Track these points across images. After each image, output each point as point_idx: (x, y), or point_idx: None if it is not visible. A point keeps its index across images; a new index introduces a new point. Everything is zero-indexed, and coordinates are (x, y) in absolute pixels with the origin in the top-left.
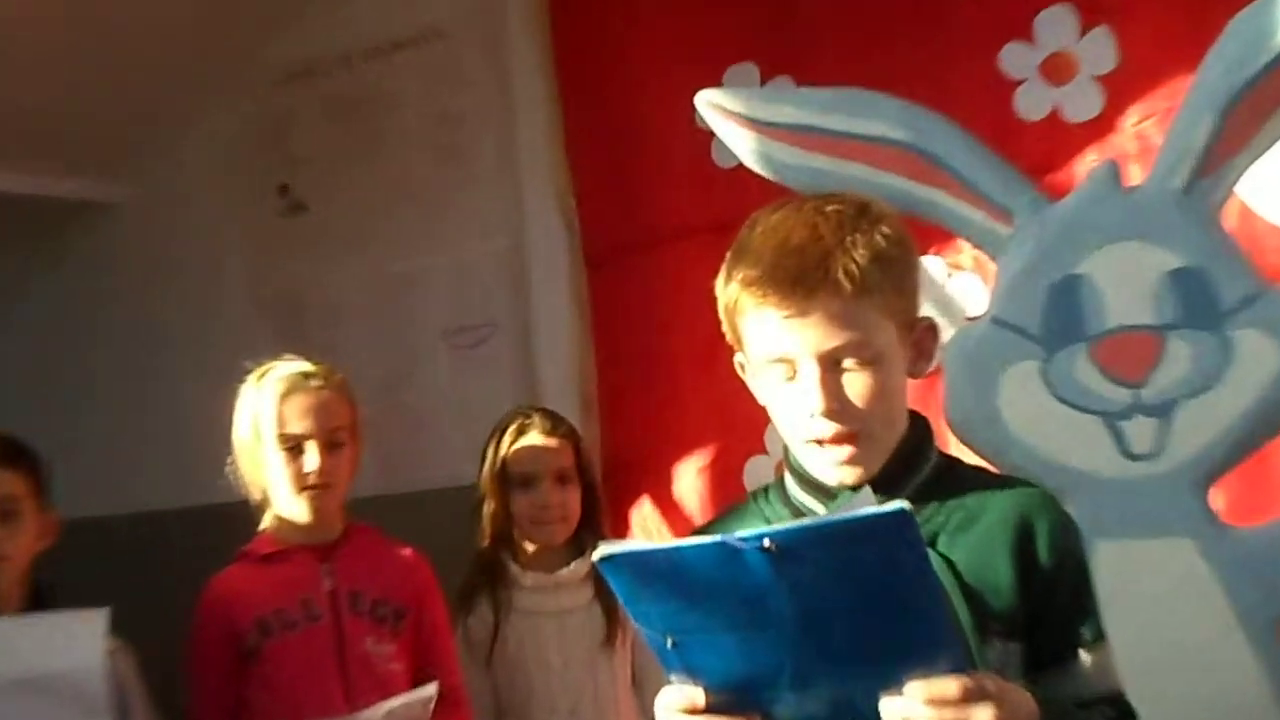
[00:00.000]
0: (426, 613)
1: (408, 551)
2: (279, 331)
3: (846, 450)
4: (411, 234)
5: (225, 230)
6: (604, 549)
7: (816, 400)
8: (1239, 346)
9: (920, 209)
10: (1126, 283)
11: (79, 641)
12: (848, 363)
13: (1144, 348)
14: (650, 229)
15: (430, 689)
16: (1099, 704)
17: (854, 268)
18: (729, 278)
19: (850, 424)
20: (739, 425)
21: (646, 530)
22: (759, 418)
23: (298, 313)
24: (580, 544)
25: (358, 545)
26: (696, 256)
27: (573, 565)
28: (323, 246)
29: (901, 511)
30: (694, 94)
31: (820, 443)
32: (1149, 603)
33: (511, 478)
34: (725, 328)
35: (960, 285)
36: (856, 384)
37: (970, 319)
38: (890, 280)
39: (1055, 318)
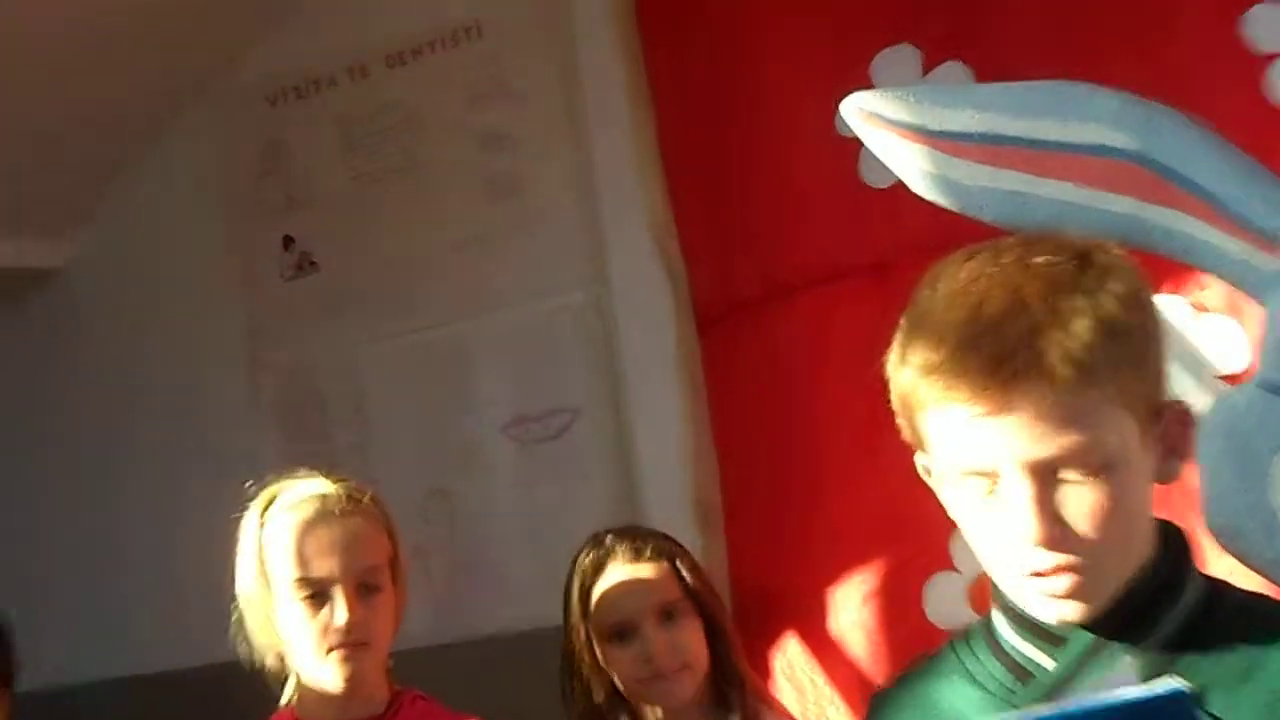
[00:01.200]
0: None
1: None
2: (288, 431)
3: (1067, 580)
4: (457, 293)
5: (211, 299)
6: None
7: (1028, 526)
8: None
9: (1153, 239)
10: None
11: None
12: (1069, 474)
13: None
14: (780, 274)
15: None
16: None
17: (1074, 347)
18: (903, 359)
19: (1075, 553)
20: (915, 531)
21: (794, 682)
22: (942, 520)
23: (312, 405)
24: (723, 697)
25: (408, 718)
26: (845, 308)
27: None
28: (341, 314)
29: (1179, 694)
30: (835, 94)
31: (1037, 576)
32: None
33: (602, 632)
34: (900, 421)
35: (1208, 331)
36: (1082, 501)
37: (1224, 378)
38: (1126, 358)
39: None
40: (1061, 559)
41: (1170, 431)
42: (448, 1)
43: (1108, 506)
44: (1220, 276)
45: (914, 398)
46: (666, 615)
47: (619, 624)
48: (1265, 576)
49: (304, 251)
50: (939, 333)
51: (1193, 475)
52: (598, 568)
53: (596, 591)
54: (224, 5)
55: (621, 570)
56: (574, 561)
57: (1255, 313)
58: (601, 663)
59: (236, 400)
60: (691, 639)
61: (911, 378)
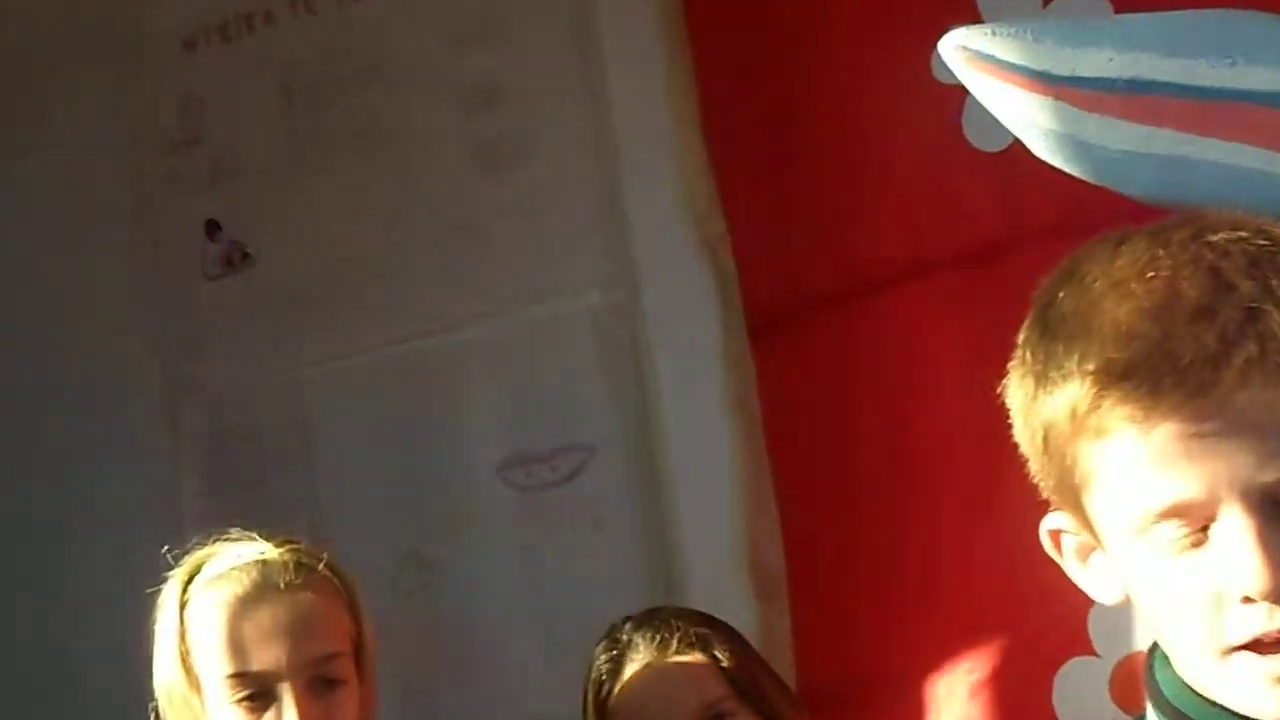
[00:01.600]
0: None
1: None
2: (215, 477)
3: None
4: (435, 295)
5: (112, 302)
6: None
7: (1253, 574)
8: None
9: None
10: None
11: None
12: None
13: None
14: (858, 266)
15: None
16: None
17: None
18: (1051, 371)
19: None
20: (1043, 603)
21: None
22: (1076, 592)
23: (246, 443)
24: None
25: None
26: (944, 308)
27: None
28: (283, 323)
29: None
30: (931, 30)
31: (1256, 647)
32: None
33: None
34: (1038, 461)
35: None
36: None
37: None
38: None
39: None
40: None
41: None
42: None
43: None
44: None
45: (1080, 421)
46: (713, 716)
47: None
48: None
49: (234, 241)
50: (1118, 328)
51: None
52: (615, 669)
53: (617, 694)
54: None
55: (645, 670)
56: (589, 665)
57: None
58: None
59: (147, 436)
60: None
61: (1077, 392)
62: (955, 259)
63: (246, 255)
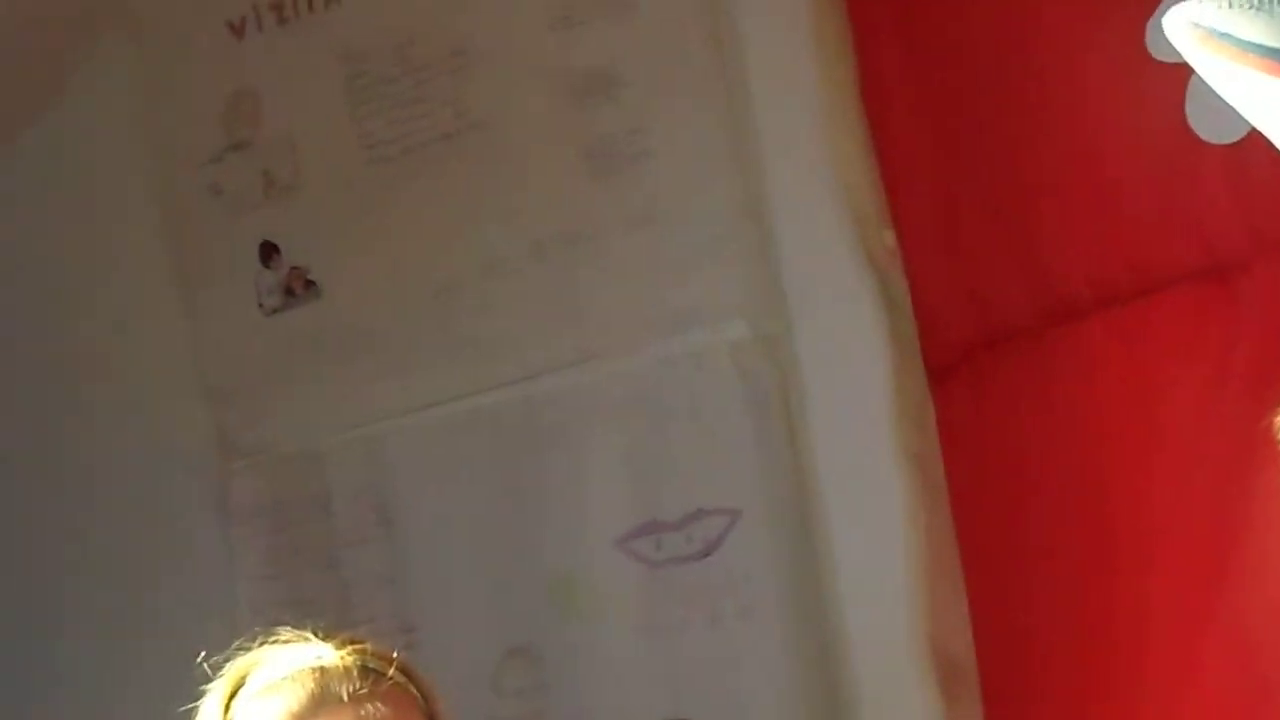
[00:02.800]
0: None
1: None
2: (273, 556)
3: None
4: (539, 328)
5: (149, 341)
6: None
7: None
8: None
9: None
10: None
11: None
12: None
13: None
14: (1063, 287)
15: None
16: None
17: None
18: None
19: None
20: None
21: None
22: None
23: (312, 513)
24: None
25: None
26: (1165, 340)
27: None
28: (356, 366)
29: None
30: (1141, 8)
31: None
32: None
33: None
34: None
35: None
36: None
37: None
38: None
39: None
40: None
41: None
42: None
43: None
44: None
45: None
46: None
47: None
48: None
49: (296, 267)
50: None
51: None
52: None
53: None
54: None
55: None
56: None
57: None
58: None
59: (193, 506)
60: None
61: None
62: (1181, 277)
63: (311, 284)
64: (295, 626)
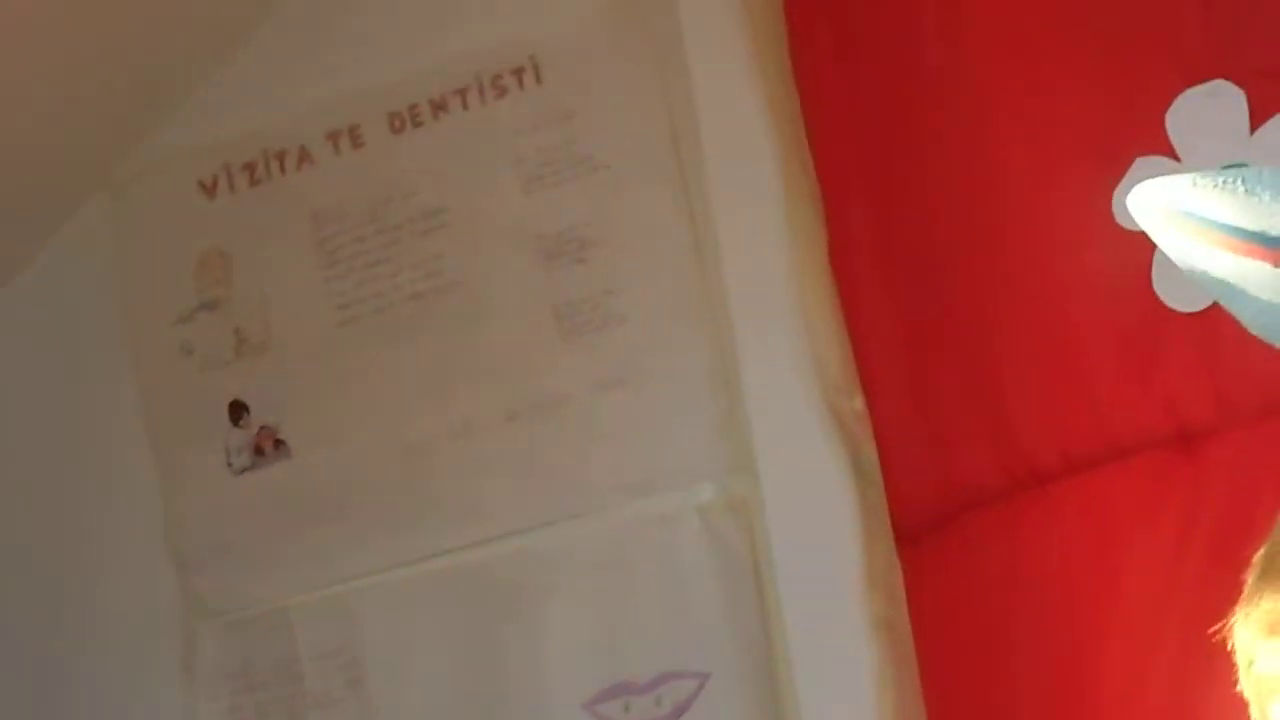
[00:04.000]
0: None
1: None
2: (235, 710)
3: None
4: (509, 492)
5: (116, 500)
6: None
7: None
8: None
9: None
10: None
11: None
12: None
13: None
14: (1026, 456)
15: None
16: None
17: None
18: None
19: None
20: None
21: None
22: None
23: (280, 676)
24: None
25: None
26: (1134, 501)
27: None
28: (327, 524)
29: None
30: (1112, 161)
31: None
32: None
33: None
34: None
35: None
36: None
37: None
38: None
39: None
40: None
41: None
42: (487, 28)
43: None
44: None
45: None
46: None
47: None
48: None
49: (265, 427)
50: None
51: None
52: None
53: None
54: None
55: None
56: None
57: None
58: None
59: (159, 668)
60: None
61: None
62: (1148, 444)
63: (280, 443)
64: None
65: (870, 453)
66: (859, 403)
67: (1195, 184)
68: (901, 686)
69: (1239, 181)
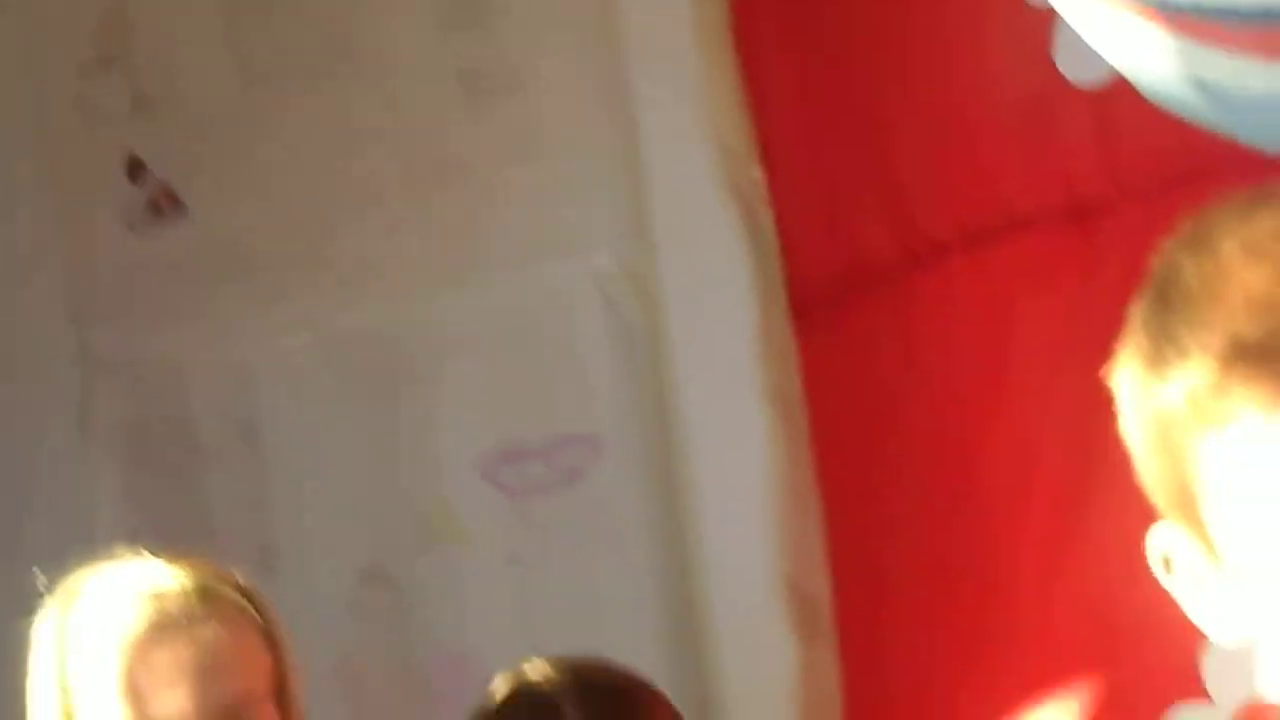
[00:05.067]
0: None
1: None
2: (136, 471)
3: None
4: (409, 256)
5: (11, 257)
6: None
7: None
8: None
9: None
10: None
11: None
12: None
13: None
14: (927, 226)
15: None
16: None
17: None
18: (1167, 348)
19: None
20: (1146, 640)
21: None
22: (1186, 626)
23: (177, 427)
24: None
25: None
26: (1025, 281)
27: None
28: (224, 289)
29: None
30: None
31: None
32: None
33: None
34: (1147, 462)
35: None
36: None
37: None
38: None
39: None
40: None
41: None
42: None
43: None
44: None
45: (1200, 407)
46: None
47: None
48: None
49: (162, 182)
50: (1250, 298)
51: None
52: None
53: None
54: None
55: None
56: None
57: None
58: None
59: (52, 427)
60: None
61: (1199, 373)
62: (1043, 219)
63: (178, 202)
64: (152, 547)
65: (767, 224)
66: (757, 173)
67: None
68: (793, 455)
69: None
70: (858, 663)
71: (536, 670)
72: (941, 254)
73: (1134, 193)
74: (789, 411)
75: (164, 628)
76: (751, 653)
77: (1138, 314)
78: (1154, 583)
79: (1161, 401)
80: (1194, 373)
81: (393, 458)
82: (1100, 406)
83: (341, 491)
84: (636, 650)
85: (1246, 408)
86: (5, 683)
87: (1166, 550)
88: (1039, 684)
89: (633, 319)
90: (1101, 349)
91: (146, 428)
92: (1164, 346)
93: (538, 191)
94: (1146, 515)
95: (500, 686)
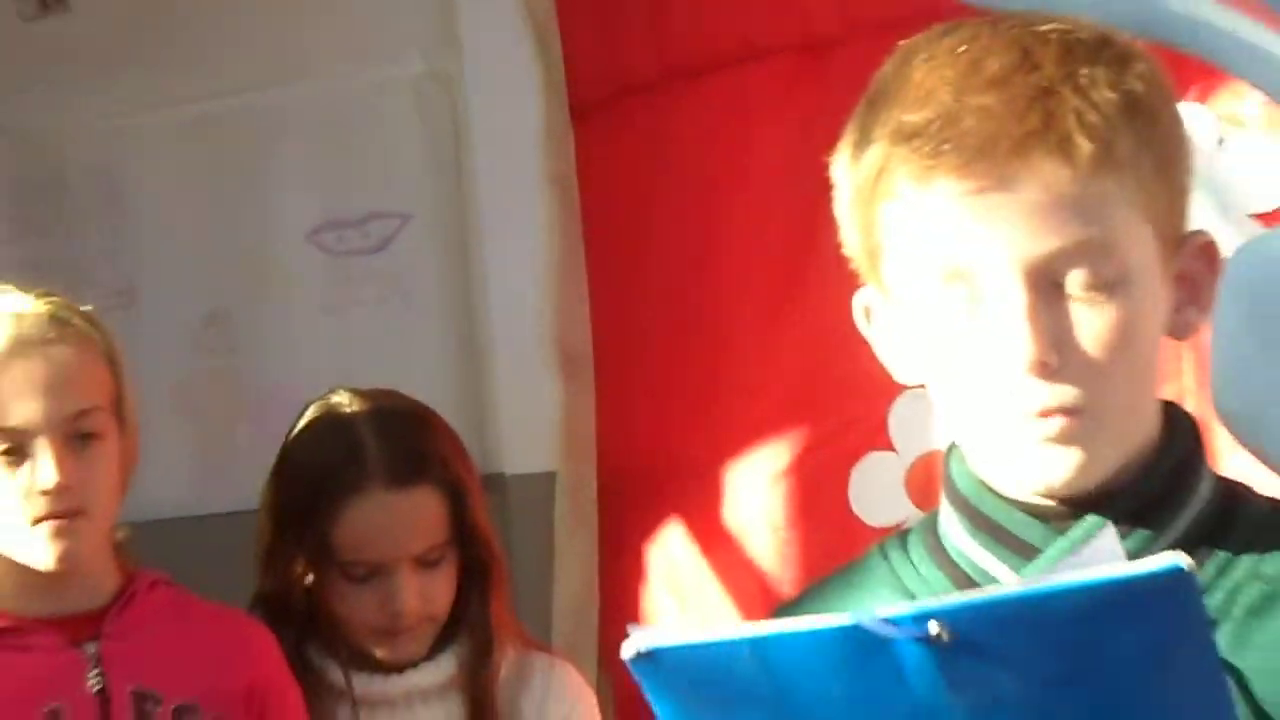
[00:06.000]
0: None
1: (237, 618)
2: (18, 219)
3: (1062, 422)
4: (256, 51)
5: None
6: (636, 640)
7: (1023, 343)
8: None
9: (1176, 31)
10: None
11: None
12: (1076, 283)
13: None
14: (682, 47)
15: None
16: None
17: (1095, 119)
18: (865, 137)
19: (1076, 385)
20: (845, 396)
21: (675, 587)
22: (882, 383)
23: (53, 183)
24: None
25: (146, 611)
26: (768, 97)
27: (428, 665)
28: (99, 72)
29: (1177, 571)
30: None
31: (1025, 419)
32: None
33: (343, 566)
34: (849, 234)
35: (1240, 154)
36: (1089, 322)
37: (1256, 217)
38: (1151, 146)
39: None
40: (1058, 394)
41: (1190, 270)
42: None
43: (1119, 332)
44: (1262, 87)
45: (878, 181)
46: (425, 562)
47: (367, 565)
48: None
49: None
50: (921, 92)
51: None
52: (349, 489)
53: (344, 525)
54: None
55: (379, 501)
56: (306, 467)
57: None
58: (322, 601)
59: None
60: (444, 588)
61: (877, 154)
62: (784, 47)
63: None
64: (22, 285)
65: (555, 39)
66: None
67: None
68: (568, 233)
69: None
70: (611, 404)
71: (341, 397)
72: (696, 73)
73: (863, 30)
74: (566, 195)
75: (21, 346)
76: (524, 393)
77: (853, 116)
78: (858, 346)
79: (855, 180)
80: (874, 155)
81: (235, 220)
82: (822, 196)
83: (192, 246)
84: (429, 389)
85: (904, 181)
86: None
87: (866, 304)
88: (758, 429)
89: (439, 113)
90: (828, 153)
91: (27, 183)
92: (860, 137)
93: (362, 10)
94: (853, 282)
95: (311, 410)
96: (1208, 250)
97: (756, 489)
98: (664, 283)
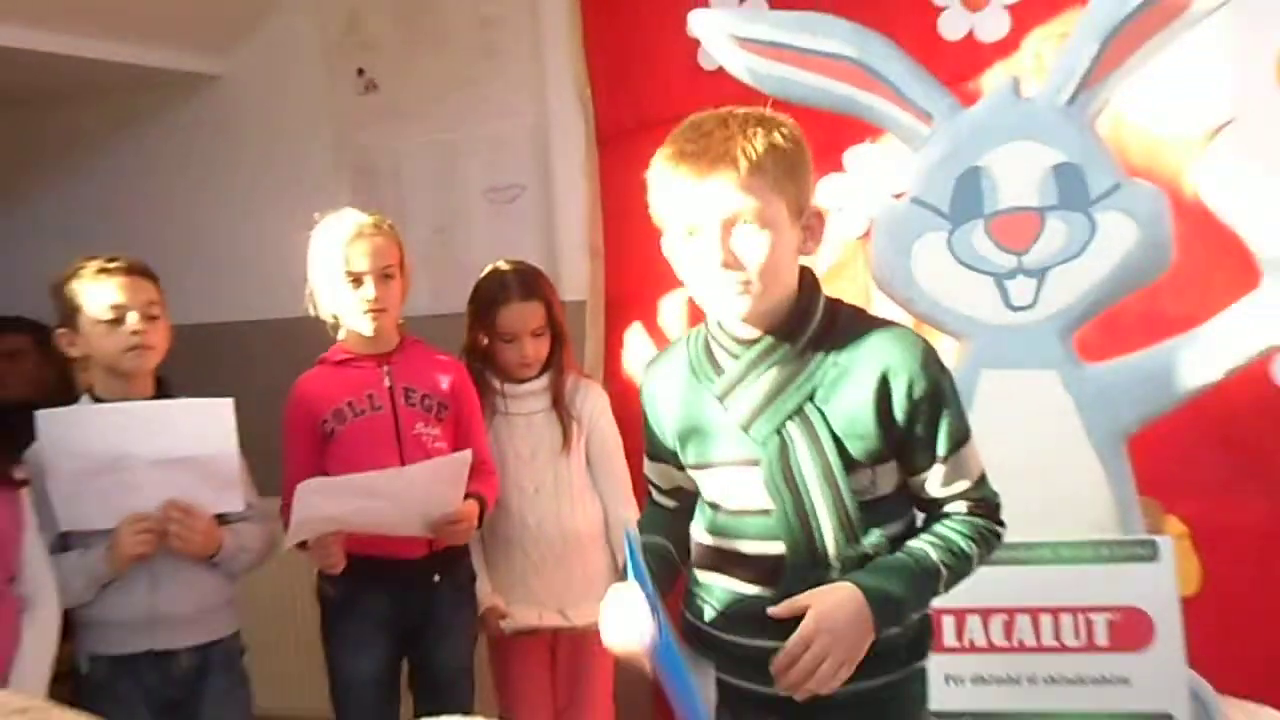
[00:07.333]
0: (463, 405)
1: (448, 358)
2: (354, 189)
3: (740, 286)
4: (460, 110)
5: (312, 104)
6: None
7: (716, 253)
8: (1102, 225)
9: (862, 111)
10: (1018, 173)
11: (213, 427)
12: (745, 227)
13: (1028, 224)
14: (649, 115)
15: (466, 454)
16: (955, 499)
17: (751, 150)
18: (656, 157)
19: (744, 271)
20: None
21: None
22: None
23: (370, 175)
24: (543, 369)
25: (410, 353)
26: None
27: (536, 380)
28: (391, 120)
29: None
30: (688, 10)
31: (711, 278)
32: (1021, 419)
33: (499, 335)
34: (653, 209)
35: (884, 165)
36: (751, 242)
37: (895, 196)
38: (782, 167)
39: (961, 199)
40: (738, 275)
41: (811, 223)
42: None
43: (765, 246)
44: (896, 134)
45: (658, 179)
46: (536, 335)
47: (510, 334)
48: (899, 305)
49: (371, 78)
50: (677, 138)
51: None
52: (498, 300)
53: (499, 312)
54: None
55: (516, 304)
56: (483, 294)
57: (913, 158)
58: (486, 353)
59: (325, 171)
60: (544, 349)
61: (657, 165)
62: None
63: (377, 86)
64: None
65: (589, 104)
66: (588, 85)
67: (717, 13)
68: (594, 203)
69: (739, 14)
70: (612, 272)
71: (498, 262)
72: (652, 126)
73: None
74: (594, 183)
75: (361, 233)
76: (576, 266)
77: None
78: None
79: (652, 175)
80: (658, 161)
81: (453, 188)
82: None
83: (430, 199)
84: (537, 260)
85: (665, 176)
86: (304, 255)
87: (667, 251)
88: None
89: (539, 143)
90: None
91: (361, 173)
92: (658, 155)
93: (508, 95)
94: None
95: (488, 268)
96: (819, 216)
97: (673, 310)
98: (637, 220)
